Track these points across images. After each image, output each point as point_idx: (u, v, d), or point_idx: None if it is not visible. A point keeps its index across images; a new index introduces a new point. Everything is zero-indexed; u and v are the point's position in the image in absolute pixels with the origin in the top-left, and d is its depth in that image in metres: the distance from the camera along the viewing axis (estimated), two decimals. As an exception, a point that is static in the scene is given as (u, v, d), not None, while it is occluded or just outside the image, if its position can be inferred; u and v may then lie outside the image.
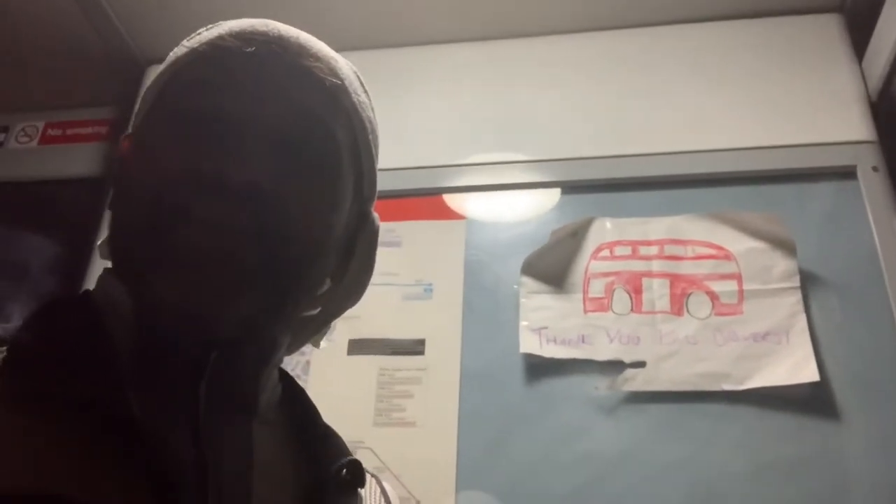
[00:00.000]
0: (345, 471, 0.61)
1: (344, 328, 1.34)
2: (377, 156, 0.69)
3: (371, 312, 1.34)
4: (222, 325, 0.53)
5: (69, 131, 1.80)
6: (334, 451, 0.62)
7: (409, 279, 1.37)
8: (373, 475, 0.69)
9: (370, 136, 0.67)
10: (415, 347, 1.30)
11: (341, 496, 0.61)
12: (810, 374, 1.15)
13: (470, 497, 1.18)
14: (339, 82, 0.61)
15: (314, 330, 0.70)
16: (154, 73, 0.64)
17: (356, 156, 0.64)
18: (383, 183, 1.49)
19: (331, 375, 1.30)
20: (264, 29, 0.60)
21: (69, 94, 1.83)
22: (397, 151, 1.50)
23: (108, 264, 0.60)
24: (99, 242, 0.63)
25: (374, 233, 0.69)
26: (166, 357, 0.53)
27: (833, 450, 1.13)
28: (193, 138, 0.55)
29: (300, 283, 0.58)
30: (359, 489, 0.64)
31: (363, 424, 1.25)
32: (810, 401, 1.16)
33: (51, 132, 1.80)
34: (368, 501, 0.65)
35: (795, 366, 1.16)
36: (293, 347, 0.67)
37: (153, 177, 0.55)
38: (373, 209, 0.70)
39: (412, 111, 1.55)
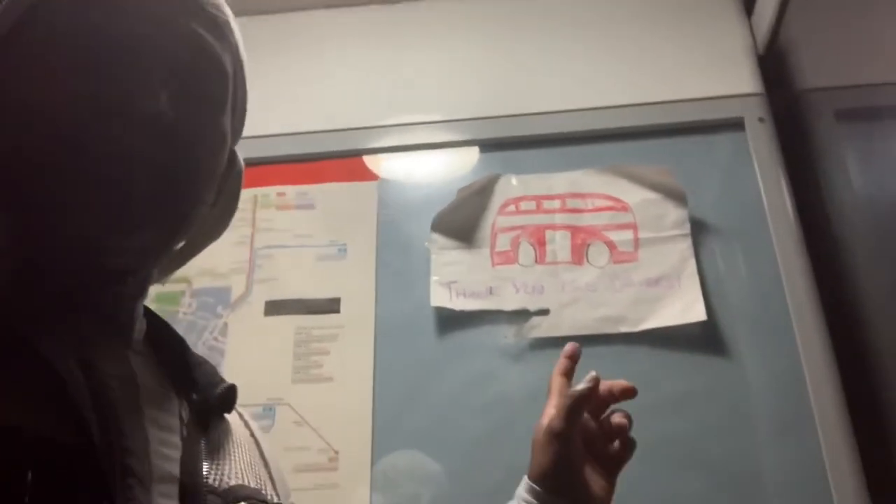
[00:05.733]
0: (218, 396, 0.63)
1: (261, 290, 1.37)
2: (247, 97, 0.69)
3: (287, 274, 1.38)
4: (122, 255, 0.55)
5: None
6: (212, 377, 0.65)
7: (323, 240, 1.40)
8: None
9: (245, 75, 0.67)
10: (330, 306, 1.34)
11: (220, 419, 0.65)
12: (698, 314, 1.24)
13: (386, 445, 1.24)
14: (226, 18, 0.62)
15: (172, 267, 0.70)
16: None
17: (235, 92, 0.64)
18: (297, 146, 1.53)
19: (248, 337, 1.34)
20: None
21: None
22: (310, 115, 1.53)
23: None
24: None
25: (240, 173, 0.69)
26: (47, 285, 0.54)
27: (721, 384, 1.22)
28: (91, 61, 0.53)
29: (192, 216, 0.59)
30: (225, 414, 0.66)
31: (282, 382, 1.29)
32: (698, 339, 1.24)
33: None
34: (233, 424, 0.68)
35: (685, 307, 1.25)
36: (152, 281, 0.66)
37: (44, 100, 0.52)
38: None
39: (324, 75, 1.57)
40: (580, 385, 0.75)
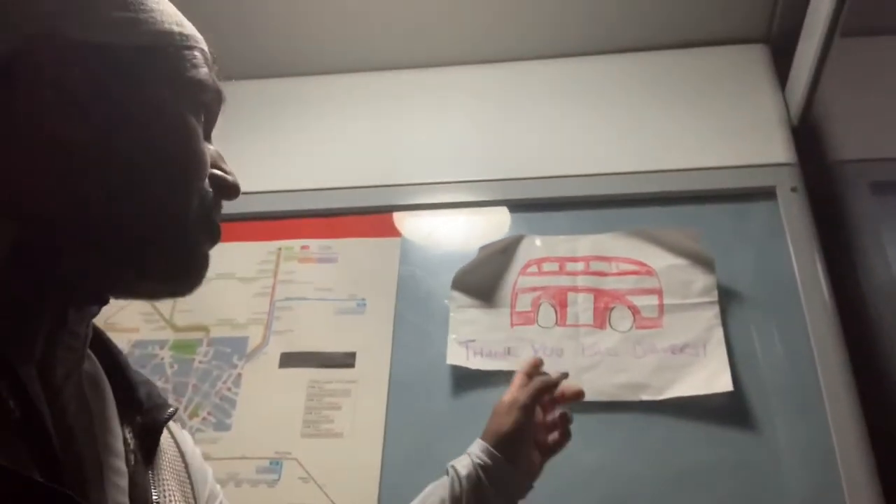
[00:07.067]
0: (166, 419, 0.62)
1: (277, 341, 1.36)
2: None
3: (304, 326, 1.37)
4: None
5: None
6: (157, 399, 0.63)
7: (342, 294, 1.39)
8: None
9: None
10: (345, 360, 1.32)
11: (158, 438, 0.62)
12: (724, 384, 1.19)
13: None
14: None
15: None
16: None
17: None
18: (322, 201, 1.53)
19: (261, 388, 1.32)
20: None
21: None
22: (340, 171, 1.54)
23: None
24: None
25: None
26: (26, 297, 0.50)
27: (746, 457, 1.16)
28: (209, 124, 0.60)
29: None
30: None
31: (291, 436, 1.27)
32: (725, 410, 1.19)
33: None
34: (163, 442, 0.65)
35: (710, 377, 1.20)
36: None
37: (185, 150, 0.55)
38: None
39: (355, 133, 1.60)
40: (550, 374, 0.93)
